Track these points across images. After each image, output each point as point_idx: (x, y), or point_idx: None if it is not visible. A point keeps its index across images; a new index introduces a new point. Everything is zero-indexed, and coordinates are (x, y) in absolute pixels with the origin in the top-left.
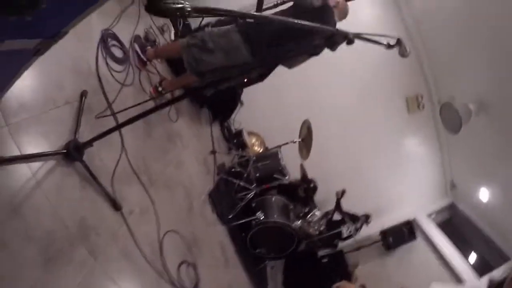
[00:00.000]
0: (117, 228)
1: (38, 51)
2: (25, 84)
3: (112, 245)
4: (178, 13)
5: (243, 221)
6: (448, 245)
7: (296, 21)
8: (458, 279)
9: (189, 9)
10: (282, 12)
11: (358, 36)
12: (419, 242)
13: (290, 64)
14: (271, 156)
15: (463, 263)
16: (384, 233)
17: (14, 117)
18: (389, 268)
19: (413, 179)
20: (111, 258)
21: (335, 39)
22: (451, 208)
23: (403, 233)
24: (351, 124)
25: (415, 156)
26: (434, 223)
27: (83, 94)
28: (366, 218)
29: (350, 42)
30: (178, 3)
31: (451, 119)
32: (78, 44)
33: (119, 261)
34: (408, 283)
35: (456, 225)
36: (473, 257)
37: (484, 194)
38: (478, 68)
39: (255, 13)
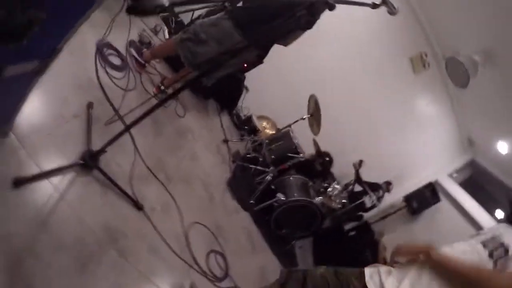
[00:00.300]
0: (142, 227)
1: (38, 72)
2: (33, 106)
3: (139, 244)
4: (157, 9)
5: (264, 204)
6: (473, 203)
7: None
8: None
9: (166, 4)
10: None
11: (339, 0)
12: (443, 203)
13: (285, 42)
14: (283, 137)
15: (490, 220)
16: (408, 199)
17: (28, 138)
18: (416, 233)
19: (429, 140)
20: (140, 256)
21: (316, 7)
22: (472, 164)
23: (427, 196)
24: (359, 93)
25: (428, 117)
26: (456, 182)
27: (89, 106)
28: (387, 186)
29: (331, 7)
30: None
31: (458, 74)
32: (76, 59)
33: (149, 258)
34: (438, 246)
35: (479, 181)
36: (499, 212)
37: (502, 147)
38: (478, 16)
39: None
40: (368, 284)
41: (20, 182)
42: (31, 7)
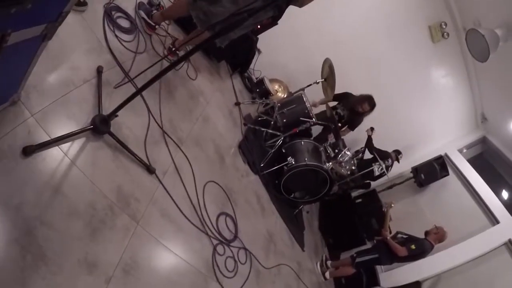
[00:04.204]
0: (154, 191)
1: (45, 36)
2: (42, 73)
3: (151, 208)
4: None
5: (274, 168)
6: (480, 181)
7: None
8: (490, 215)
9: None
10: None
11: None
12: (450, 178)
13: (300, 2)
14: (296, 100)
15: (495, 200)
16: (416, 170)
17: (37, 106)
18: (422, 205)
19: (442, 113)
20: (152, 220)
21: None
22: (483, 142)
23: (435, 169)
24: (375, 60)
25: (444, 88)
26: (465, 158)
27: (99, 70)
28: (397, 155)
29: None
30: None
31: (478, 47)
32: (84, 24)
33: (161, 221)
34: (441, 220)
35: (489, 160)
36: (505, 193)
37: None
38: None
39: None
40: None
41: (29, 151)
42: None
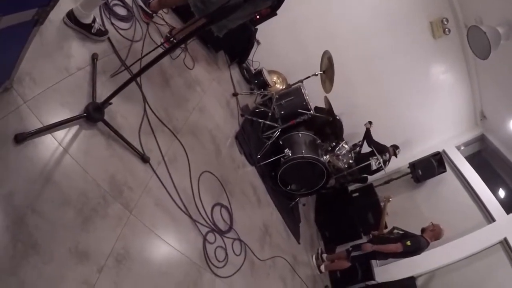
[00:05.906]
0: (148, 180)
1: (37, 21)
2: (35, 59)
3: (145, 197)
4: None
5: (271, 159)
6: (477, 178)
7: None
8: (486, 213)
9: None
10: None
11: None
12: (447, 175)
13: None
14: (294, 92)
15: (492, 198)
16: (413, 165)
17: (30, 93)
18: (418, 201)
19: (441, 109)
20: (145, 209)
21: None
22: (481, 140)
23: (433, 165)
24: (375, 54)
25: (443, 85)
26: (463, 155)
27: (94, 57)
28: (394, 150)
29: None
30: None
31: (479, 44)
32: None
33: (154, 211)
34: (437, 216)
35: (486, 158)
36: (502, 191)
37: None
38: None
39: None
40: None
41: (22, 138)
42: None
